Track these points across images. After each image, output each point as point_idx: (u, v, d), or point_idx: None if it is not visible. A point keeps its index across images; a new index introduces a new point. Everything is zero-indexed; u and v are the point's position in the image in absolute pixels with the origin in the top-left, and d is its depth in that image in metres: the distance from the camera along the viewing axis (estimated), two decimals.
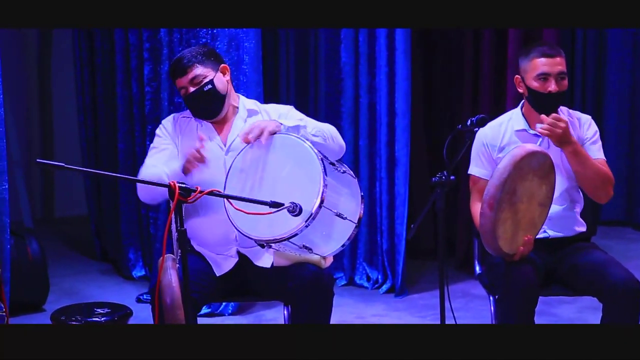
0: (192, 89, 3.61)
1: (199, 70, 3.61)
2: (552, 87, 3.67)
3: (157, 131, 3.75)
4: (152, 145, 3.74)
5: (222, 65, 3.70)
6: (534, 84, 3.70)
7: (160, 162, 3.60)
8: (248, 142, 3.43)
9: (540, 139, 3.77)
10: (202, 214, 3.60)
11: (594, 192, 3.76)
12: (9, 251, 4.55)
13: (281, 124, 3.48)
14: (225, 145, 3.65)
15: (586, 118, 3.86)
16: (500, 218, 3.42)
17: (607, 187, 3.74)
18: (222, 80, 3.66)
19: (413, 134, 5.40)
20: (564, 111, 3.83)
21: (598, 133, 3.84)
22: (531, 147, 3.51)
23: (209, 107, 3.65)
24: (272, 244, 3.35)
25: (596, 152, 3.79)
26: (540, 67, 3.68)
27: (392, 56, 5.24)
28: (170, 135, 3.70)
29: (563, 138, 3.60)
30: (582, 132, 3.81)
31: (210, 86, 3.61)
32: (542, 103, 3.72)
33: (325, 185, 3.25)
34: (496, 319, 3.68)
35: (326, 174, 3.27)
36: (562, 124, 3.58)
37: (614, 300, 3.51)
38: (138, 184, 3.61)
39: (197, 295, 3.46)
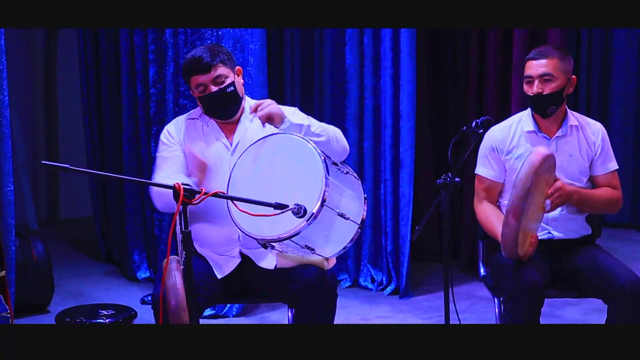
0: (214, 88, 3.59)
1: (222, 70, 3.58)
2: (533, 89, 3.73)
3: (162, 138, 3.72)
4: (158, 154, 3.71)
5: (238, 67, 3.70)
6: (524, 87, 3.79)
7: (171, 173, 3.57)
8: (255, 111, 3.46)
9: (549, 141, 3.79)
10: (206, 214, 3.59)
11: (604, 213, 3.94)
12: (14, 253, 4.55)
13: (285, 117, 3.48)
14: (231, 146, 3.65)
15: (597, 127, 3.87)
16: (522, 226, 3.45)
17: (616, 207, 3.86)
18: (239, 83, 3.66)
19: (418, 136, 5.39)
20: (575, 115, 3.86)
21: (609, 142, 3.86)
22: (543, 150, 3.53)
23: (228, 108, 3.64)
24: (275, 244, 3.35)
25: (608, 165, 3.85)
26: (526, 70, 3.78)
27: (397, 58, 5.24)
28: (175, 141, 3.68)
29: (568, 200, 3.68)
30: (593, 141, 3.83)
31: (232, 88, 3.60)
32: (530, 105, 3.81)
33: (327, 184, 3.25)
34: (502, 320, 3.67)
35: (328, 173, 3.27)
36: (560, 193, 3.63)
37: (621, 303, 3.51)
38: (153, 194, 3.60)
39: (201, 298, 3.46)
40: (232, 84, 3.60)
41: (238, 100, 3.64)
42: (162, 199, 3.54)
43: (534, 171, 3.43)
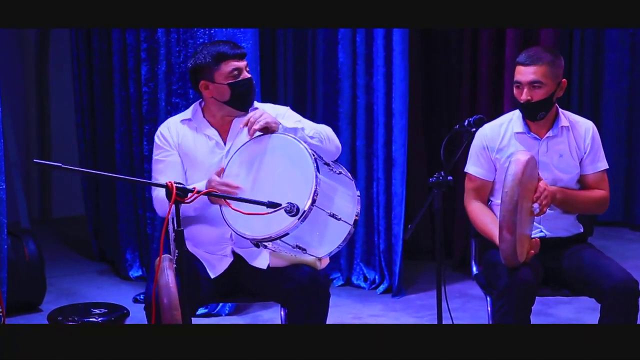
0: (248, 75, 3.60)
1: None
2: (523, 96, 3.71)
3: (157, 140, 3.69)
4: (154, 157, 3.69)
5: None
6: (514, 90, 3.77)
7: (174, 178, 3.55)
8: (246, 125, 3.46)
9: (540, 142, 3.79)
10: (198, 213, 3.59)
11: (590, 214, 3.92)
12: (5, 251, 4.54)
13: (279, 123, 3.48)
14: (224, 146, 3.65)
15: (586, 126, 3.87)
16: (517, 237, 3.47)
17: (602, 207, 3.86)
18: None
19: (411, 135, 5.39)
20: (566, 115, 3.86)
21: (599, 141, 3.85)
22: (523, 157, 3.51)
23: (252, 98, 3.65)
24: (266, 243, 3.35)
25: (597, 165, 3.84)
26: (515, 75, 3.75)
27: (390, 57, 5.24)
28: (169, 143, 3.66)
29: (552, 199, 3.67)
30: (583, 140, 3.83)
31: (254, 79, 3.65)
32: (521, 110, 3.80)
33: (317, 184, 3.24)
34: (493, 318, 3.68)
35: (319, 173, 3.27)
36: (545, 194, 3.63)
37: (614, 301, 3.52)
38: (156, 201, 3.60)
39: (194, 299, 3.45)
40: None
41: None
42: (164, 206, 3.38)
43: (519, 182, 3.43)
